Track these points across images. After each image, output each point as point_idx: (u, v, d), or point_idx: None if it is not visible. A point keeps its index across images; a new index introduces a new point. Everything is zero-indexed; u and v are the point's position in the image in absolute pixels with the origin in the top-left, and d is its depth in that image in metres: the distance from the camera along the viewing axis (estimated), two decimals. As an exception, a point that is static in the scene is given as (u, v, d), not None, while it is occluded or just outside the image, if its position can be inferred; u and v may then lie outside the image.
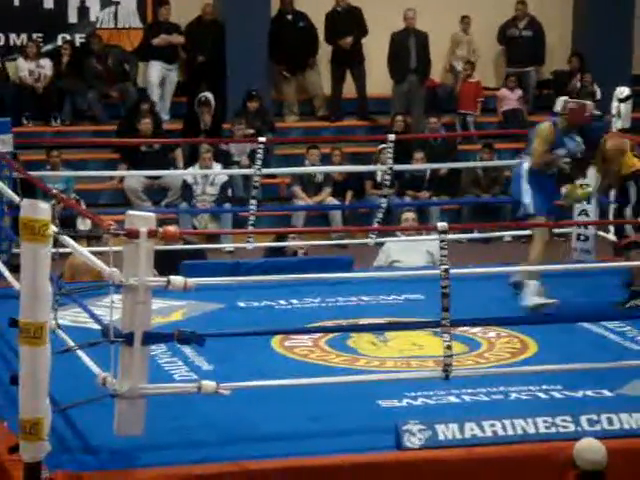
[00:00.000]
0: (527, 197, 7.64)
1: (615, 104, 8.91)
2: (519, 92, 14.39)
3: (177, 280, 5.30)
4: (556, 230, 10.55)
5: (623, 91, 8.88)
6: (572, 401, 6.01)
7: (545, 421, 5.57)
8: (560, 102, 7.66)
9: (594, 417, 5.60)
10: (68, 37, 13.93)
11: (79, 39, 14.06)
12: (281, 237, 9.30)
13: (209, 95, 13.21)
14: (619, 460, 5.12)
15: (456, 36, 14.58)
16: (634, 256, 7.71)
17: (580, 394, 6.10)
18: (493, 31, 14.75)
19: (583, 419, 5.58)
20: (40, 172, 10.15)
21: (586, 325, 7.24)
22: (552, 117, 7.78)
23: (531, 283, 7.43)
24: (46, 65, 13.51)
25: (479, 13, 14.55)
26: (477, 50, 14.67)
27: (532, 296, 7.42)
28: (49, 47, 13.86)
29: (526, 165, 7.70)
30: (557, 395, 6.10)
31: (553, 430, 5.55)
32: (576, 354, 6.53)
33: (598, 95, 14.04)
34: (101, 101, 13.73)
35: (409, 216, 9.50)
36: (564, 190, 8.06)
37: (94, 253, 5.97)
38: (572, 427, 5.55)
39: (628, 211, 7.70)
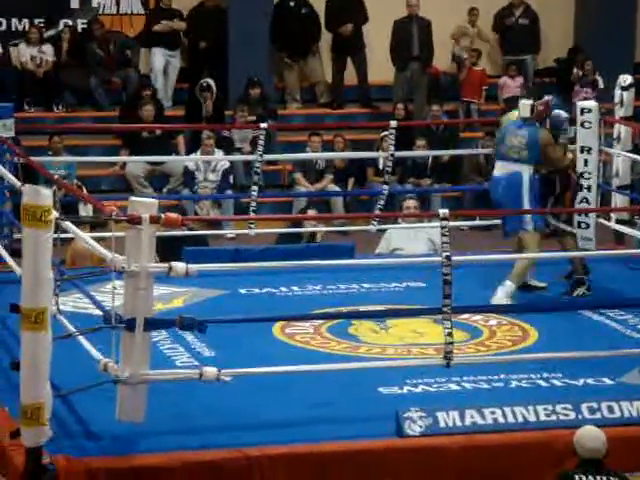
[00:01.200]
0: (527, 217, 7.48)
1: (618, 92, 8.88)
2: (520, 80, 14.37)
3: (179, 266, 5.30)
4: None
5: (626, 79, 8.85)
6: (573, 389, 6.02)
7: (545, 409, 5.57)
8: (526, 107, 7.55)
9: (594, 405, 5.61)
10: (70, 22, 13.91)
11: (81, 25, 14.04)
12: (297, 224, 9.29)
13: (210, 81, 13.20)
14: (619, 448, 5.13)
15: (462, 28, 14.56)
16: (569, 243, 7.75)
17: (581, 382, 6.10)
18: (489, 19, 14.72)
19: (583, 407, 5.59)
20: (42, 158, 10.13)
21: (587, 313, 7.25)
22: (525, 124, 7.57)
23: (509, 284, 7.39)
24: (48, 51, 13.49)
25: (476, 1, 14.52)
26: (486, 41, 14.65)
27: (505, 296, 7.40)
28: (51, 32, 13.84)
29: (526, 176, 7.51)
30: (558, 383, 6.10)
31: (553, 418, 5.55)
32: (577, 342, 6.53)
33: (600, 84, 14.02)
34: (103, 87, 13.72)
35: (411, 204, 9.49)
36: None
37: (96, 239, 5.98)
38: (572, 415, 5.55)
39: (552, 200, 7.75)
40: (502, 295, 7.41)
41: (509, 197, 7.57)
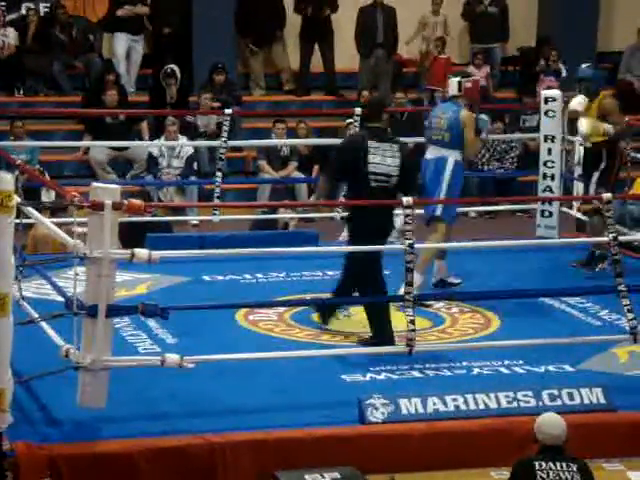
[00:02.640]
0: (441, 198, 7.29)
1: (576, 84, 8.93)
2: (486, 69, 14.40)
3: (141, 253, 5.28)
4: (520, 206, 10.66)
5: (585, 70, 8.89)
6: (534, 376, 6.06)
7: (507, 396, 5.62)
8: (454, 84, 7.41)
9: (555, 392, 5.66)
10: (32, 6, 13.78)
11: (43, 9, 13.91)
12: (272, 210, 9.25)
13: (175, 67, 13.13)
14: (579, 434, 5.17)
15: (425, 18, 14.56)
16: (597, 222, 7.79)
17: (542, 369, 6.15)
18: (458, 8, 14.74)
19: (544, 394, 5.64)
20: (4, 142, 10.06)
21: (548, 301, 7.30)
22: (447, 102, 7.50)
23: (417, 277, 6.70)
24: (10, 34, 13.36)
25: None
26: (449, 30, 14.66)
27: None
28: (13, 16, 13.71)
29: (451, 160, 7.32)
30: (519, 370, 6.15)
31: (514, 405, 5.60)
32: (538, 330, 6.58)
33: (564, 73, 14.09)
34: (66, 72, 13.61)
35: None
36: (583, 129, 7.81)
37: (58, 225, 5.95)
38: (533, 402, 5.60)
39: (596, 175, 7.76)
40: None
41: (430, 181, 7.37)
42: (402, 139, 6.91)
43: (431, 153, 7.49)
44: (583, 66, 8.31)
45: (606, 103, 7.89)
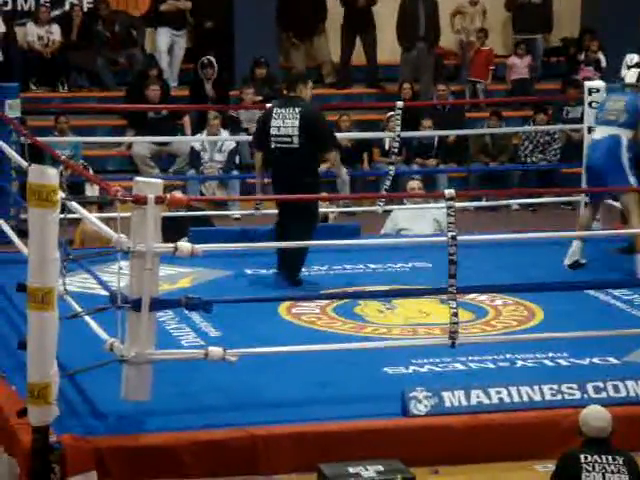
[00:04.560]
0: (631, 177, 7.63)
1: (624, 71, 8.85)
2: (528, 59, 14.32)
3: (184, 246, 5.30)
4: (564, 198, 10.59)
5: (633, 58, 8.82)
6: (578, 368, 6.02)
7: (551, 388, 5.58)
8: (633, 75, 7.85)
9: (600, 384, 5.62)
10: (76, 2, 13.88)
11: (87, 4, 14.01)
12: None
13: (211, 58, 13.15)
14: (624, 427, 5.13)
15: (462, 7, 14.50)
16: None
17: (586, 362, 6.11)
18: (501, -1, 14.68)
19: (589, 386, 5.60)
20: (48, 138, 10.14)
21: (593, 293, 7.25)
22: (629, 91, 7.83)
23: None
24: (55, 30, 13.48)
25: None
26: (488, 19, 14.59)
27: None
28: (57, 12, 13.82)
29: (624, 140, 7.69)
30: (563, 363, 6.11)
31: (559, 397, 5.56)
32: (583, 322, 6.54)
33: (603, 62, 13.97)
34: (109, 67, 13.70)
35: (414, 184, 9.48)
36: None
37: (103, 219, 5.98)
38: (578, 394, 5.56)
39: None
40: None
41: (608, 160, 7.69)
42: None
43: (601, 133, 7.83)
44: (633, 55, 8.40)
45: None
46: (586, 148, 8.42)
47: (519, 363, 6.09)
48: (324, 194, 10.38)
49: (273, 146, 7.36)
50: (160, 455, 5.12)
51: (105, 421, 5.31)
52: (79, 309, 5.76)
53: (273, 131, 7.34)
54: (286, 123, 7.30)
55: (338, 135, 12.45)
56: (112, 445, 5.08)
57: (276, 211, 7.70)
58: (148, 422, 5.30)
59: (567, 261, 7.84)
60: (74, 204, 5.93)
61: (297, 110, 7.31)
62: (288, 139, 7.30)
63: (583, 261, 7.86)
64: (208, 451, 5.15)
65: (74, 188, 10.69)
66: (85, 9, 13.95)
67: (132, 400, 5.27)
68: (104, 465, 5.03)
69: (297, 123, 7.27)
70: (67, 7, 13.87)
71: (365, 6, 13.80)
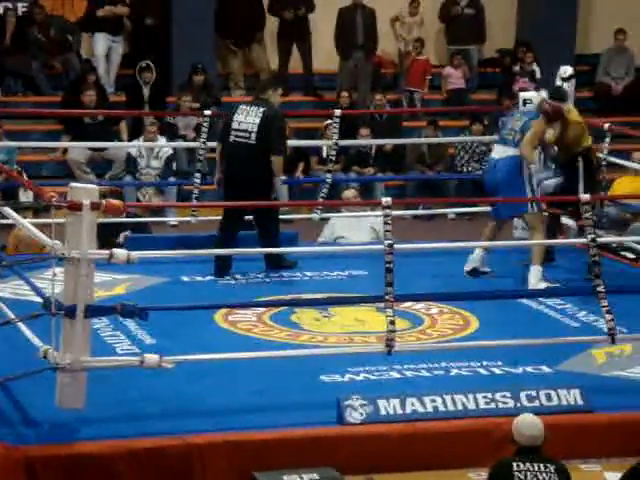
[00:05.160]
0: (529, 192, 7.68)
1: (558, 83, 8.96)
2: (463, 70, 14.44)
3: (120, 253, 5.27)
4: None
5: (566, 70, 8.94)
6: (512, 377, 6.08)
7: (485, 397, 5.63)
8: (537, 99, 7.89)
9: (533, 393, 5.68)
10: (10, 6, 13.72)
11: (21, 9, 13.85)
12: None
13: (149, 62, 13.08)
14: (556, 435, 5.19)
15: (402, 18, 14.59)
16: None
17: (520, 370, 6.17)
18: (435, 9, 14.78)
19: (522, 395, 5.66)
20: (-19, 143, 10.01)
21: (526, 302, 7.32)
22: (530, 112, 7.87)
23: (536, 268, 7.55)
24: (-12, 34, 13.32)
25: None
26: (424, 29, 14.70)
27: (537, 281, 7.57)
28: (-11, 16, 13.65)
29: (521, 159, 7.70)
30: (497, 371, 6.16)
31: (493, 406, 5.62)
32: (516, 331, 6.60)
33: (538, 74, 14.14)
34: (44, 72, 13.56)
35: (349, 194, 9.53)
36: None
37: (38, 225, 5.92)
38: (511, 403, 5.62)
39: (581, 187, 7.82)
40: (535, 281, 7.56)
41: (507, 177, 7.72)
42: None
43: (497, 153, 7.92)
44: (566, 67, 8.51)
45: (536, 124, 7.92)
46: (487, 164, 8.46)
47: (454, 372, 6.13)
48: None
49: (232, 139, 7.69)
50: (94, 464, 5.08)
51: (38, 429, 5.26)
52: (12, 316, 5.69)
53: (234, 125, 7.68)
54: (247, 119, 7.65)
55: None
56: (44, 454, 5.03)
57: (215, 218, 7.73)
58: (83, 430, 5.25)
59: (466, 267, 7.90)
60: (7, 209, 5.87)
61: (261, 110, 7.67)
62: (246, 134, 7.63)
63: (486, 269, 7.92)
64: (143, 459, 5.12)
65: (8, 194, 10.61)
66: (20, 13, 13.80)
67: (66, 408, 5.22)
68: (35, 474, 4.97)
69: (258, 121, 7.61)
70: (0, 10, 13.71)
71: (294, 18, 13.83)
